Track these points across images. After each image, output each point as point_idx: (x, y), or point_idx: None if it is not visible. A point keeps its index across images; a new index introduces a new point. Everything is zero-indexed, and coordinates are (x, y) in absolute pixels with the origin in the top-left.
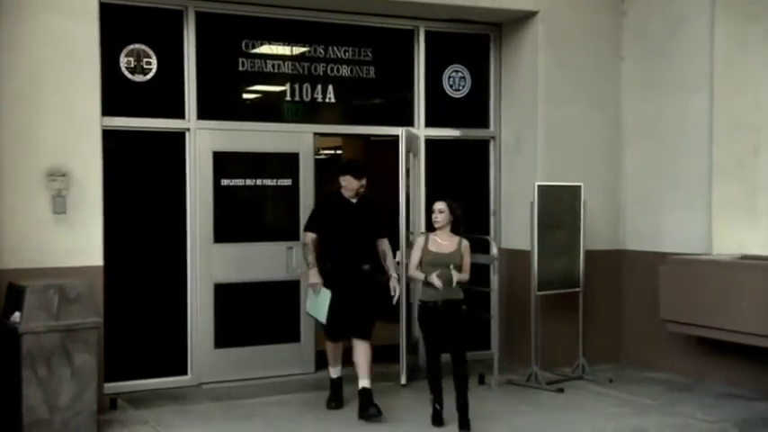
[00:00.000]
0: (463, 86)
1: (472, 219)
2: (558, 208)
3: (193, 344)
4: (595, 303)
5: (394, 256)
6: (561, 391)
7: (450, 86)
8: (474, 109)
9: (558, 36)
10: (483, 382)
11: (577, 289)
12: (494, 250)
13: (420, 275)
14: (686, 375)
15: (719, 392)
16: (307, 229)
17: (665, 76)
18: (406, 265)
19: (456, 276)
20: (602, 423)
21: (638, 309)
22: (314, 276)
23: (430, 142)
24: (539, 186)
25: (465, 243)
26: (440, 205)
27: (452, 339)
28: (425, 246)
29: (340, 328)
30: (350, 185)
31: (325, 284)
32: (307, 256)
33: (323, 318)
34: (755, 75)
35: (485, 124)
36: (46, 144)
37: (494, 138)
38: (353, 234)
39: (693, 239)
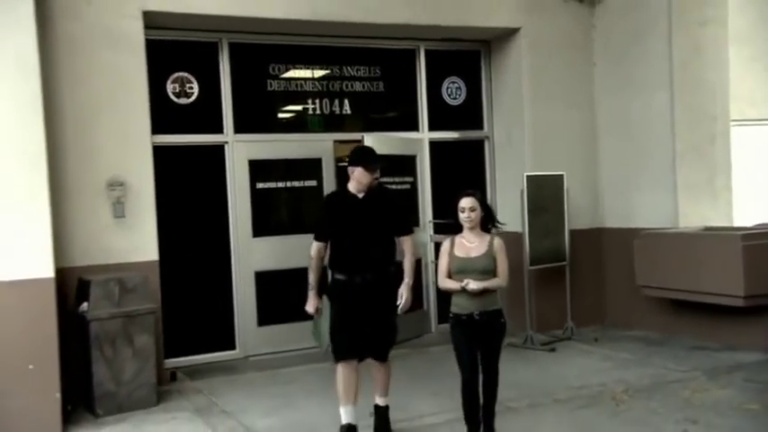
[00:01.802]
0: (459, 95)
1: None
2: (545, 194)
3: (239, 323)
4: (580, 274)
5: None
6: (553, 350)
7: (449, 95)
8: (469, 114)
9: (538, 48)
10: None
11: (564, 263)
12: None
13: (454, 285)
14: (660, 332)
15: (689, 346)
16: (315, 238)
17: (631, 78)
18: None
19: (483, 283)
20: (589, 376)
21: (617, 277)
22: (311, 303)
23: (433, 143)
24: (527, 176)
25: (498, 242)
26: (470, 202)
27: (487, 357)
28: (451, 250)
29: (350, 346)
30: (361, 179)
31: (337, 298)
32: (309, 273)
33: (325, 341)
34: (710, 74)
35: (479, 126)
36: (105, 159)
37: (488, 137)
38: (363, 236)
39: (662, 216)
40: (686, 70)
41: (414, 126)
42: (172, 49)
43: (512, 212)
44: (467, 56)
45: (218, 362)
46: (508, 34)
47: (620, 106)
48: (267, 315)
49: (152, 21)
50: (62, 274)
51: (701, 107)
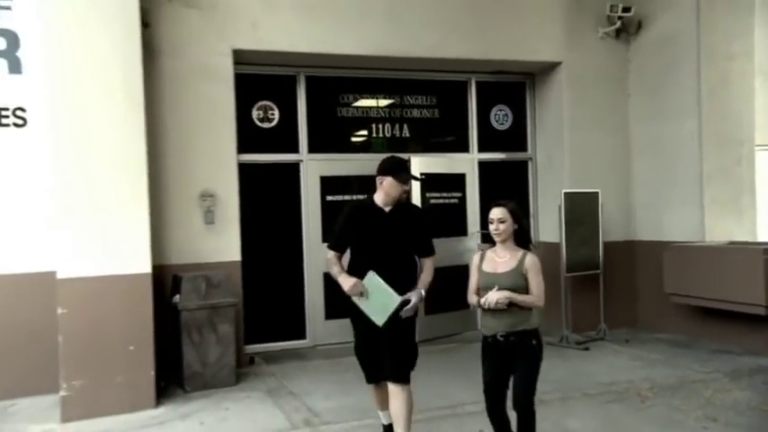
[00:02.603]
0: (506, 121)
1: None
2: (581, 209)
3: (309, 316)
4: (613, 281)
5: None
6: (587, 349)
7: (496, 121)
8: (515, 137)
9: (578, 80)
10: None
11: (598, 271)
12: (532, 241)
13: (475, 300)
14: (686, 336)
15: (712, 349)
16: (329, 246)
17: (663, 107)
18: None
19: (503, 294)
20: (618, 373)
21: (648, 285)
22: (346, 280)
23: (482, 163)
24: (565, 193)
25: (531, 259)
26: (499, 213)
27: (516, 388)
28: (480, 264)
29: (372, 370)
30: (390, 191)
31: (356, 318)
32: (331, 268)
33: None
34: (736, 103)
35: (524, 148)
36: (199, 174)
37: (531, 158)
38: (386, 252)
39: (689, 230)
40: (714, 100)
41: (465, 148)
42: (257, 81)
43: (551, 225)
44: (513, 86)
45: (290, 349)
46: (551, 67)
47: (652, 132)
48: (333, 310)
49: (240, 58)
50: (160, 270)
51: (727, 133)
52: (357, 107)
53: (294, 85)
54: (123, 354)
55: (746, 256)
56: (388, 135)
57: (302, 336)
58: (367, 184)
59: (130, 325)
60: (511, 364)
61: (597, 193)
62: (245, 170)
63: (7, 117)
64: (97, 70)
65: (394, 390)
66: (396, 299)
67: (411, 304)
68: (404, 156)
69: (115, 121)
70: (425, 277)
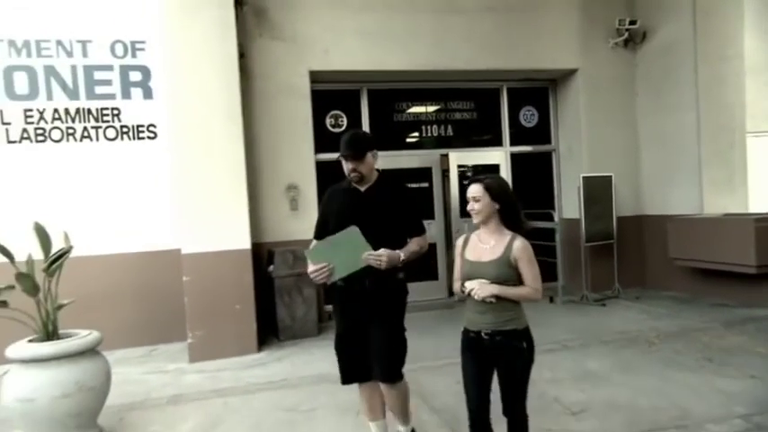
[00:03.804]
0: (533, 119)
1: (543, 202)
2: (597, 190)
3: None
4: (625, 249)
5: None
6: (604, 305)
7: (524, 120)
8: (540, 133)
9: (592, 83)
10: (552, 301)
11: (612, 241)
12: (555, 218)
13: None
14: (688, 294)
15: (711, 304)
16: (314, 236)
17: (666, 103)
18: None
19: (489, 288)
20: (630, 324)
21: (654, 251)
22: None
23: (513, 155)
24: (583, 177)
25: (519, 244)
26: (473, 190)
27: (505, 392)
28: (463, 251)
29: (353, 369)
30: (346, 170)
31: (336, 309)
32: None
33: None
34: (730, 97)
35: (548, 141)
36: (285, 171)
37: (554, 150)
38: (370, 235)
39: (690, 206)
40: (710, 95)
41: (499, 143)
42: (329, 95)
43: (572, 204)
44: (538, 90)
45: None
46: (569, 74)
47: (656, 125)
48: None
49: (315, 77)
50: (258, 246)
51: (722, 123)
52: (409, 113)
53: (358, 96)
54: (232, 311)
55: (739, 224)
56: (434, 134)
57: None
58: (418, 175)
59: (237, 289)
60: (495, 367)
61: (611, 176)
62: (320, 166)
63: (143, 132)
64: (205, 93)
65: (386, 388)
66: (365, 249)
67: (379, 256)
68: (445, 151)
69: (220, 133)
70: (411, 246)
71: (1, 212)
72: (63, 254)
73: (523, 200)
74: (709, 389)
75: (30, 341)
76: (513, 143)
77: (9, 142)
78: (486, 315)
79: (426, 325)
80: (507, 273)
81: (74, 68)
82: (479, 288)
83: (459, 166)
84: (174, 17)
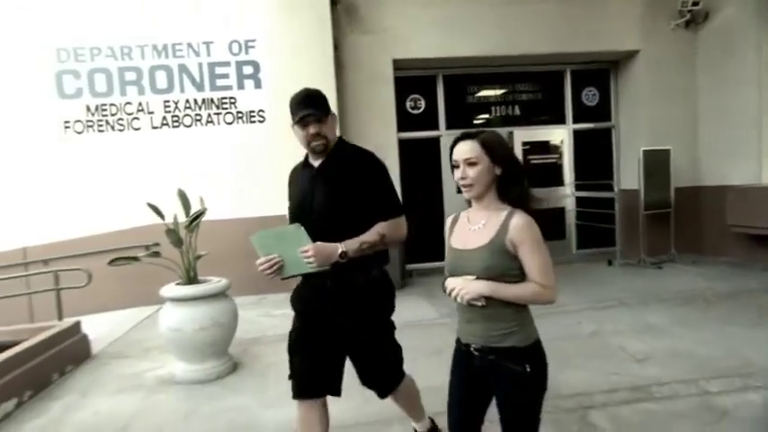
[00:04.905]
0: (594, 99)
1: (603, 174)
2: (656, 163)
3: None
4: (682, 217)
5: None
6: (660, 268)
7: (586, 99)
8: (601, 111)
9: (654, 63)
10: (611, 264)
11: (669, 209)
12: (615, 189)
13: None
14: (742, 259)
15: (764, 268)
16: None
17: (725, 80)
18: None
19: (475, 290)
20: (685, 284)
21: (710, 219)
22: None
23: (575, 132)
24: (643, 151)
25: (518, 221)
26: (466, 150)
27: (505, 427)
28: (450, 236)
29: (303, 379)
30: (300, 140)
31: (294, 309)
32: None
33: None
34: None
35: (608, 119)
36: (372, 147)
37: (614, 126)
38: (318, 222)
39: (748, 176)
40: None
41: (562, 121)
42: (409, 81)
43: (631, 176)
44: (600, 72)
45: (435, 268)
46: (631, 55)
47: (716, 100)
48: None
49: (398, 65)
50: None
51: None
52: (479, 95)
53: (434, 81)
54: None
55: None
56: (503, 114)
57: (442, 258)
58: None
59: None
60: (490, 392)
61: (669, 150)
62: (402, 144)
63: (254, 117)
64: (304, 82)
65: (389, 397)
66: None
67: (306, 246)
68: (508, 129)
69: None
70: (366, 235)
71: (150, 183)
72: (200, 214)
73: (585, 172)
74: (767, 343)
75: (176, 284)
76: (575, 121)
77: (153, 128)
78: (473, 325)
79: None
80: (502, 263)
81: (200, 65)
82: (461, 287)
83: (524, 143)
84: (278, 17)
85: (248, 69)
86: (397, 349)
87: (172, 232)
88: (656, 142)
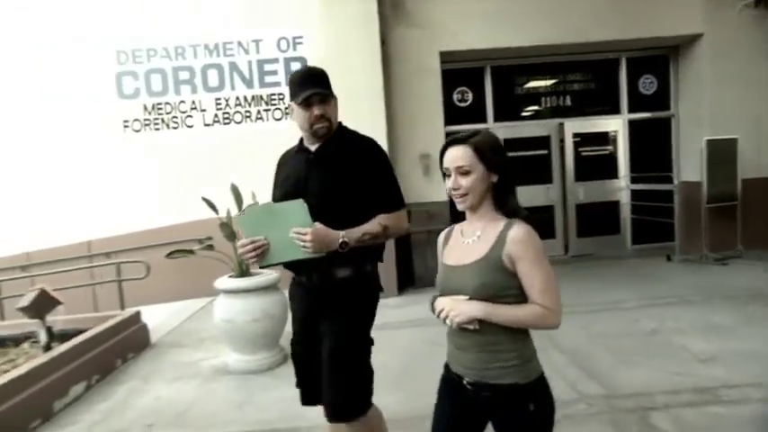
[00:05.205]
0: (652, 87)
1: (660, 166)
2: (721, 153)
3: None
4: (749, 211)
5: None
6: (725, 264)
7: (643, 88)
8: (659, 99)
9: (718, 47)
10: (670, 260)
11: (735, 202)
12: (675, 181)
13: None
14: None
15: None
16: None
17: None
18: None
19: (467, 314)
20: (754, 282)
21: None
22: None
23: (631, 122)
24: (706, 140)
25: (516, 232)
26: (457, 155)
27: None
28: (443, 252)
29: (306, 384)
30: (300, 122)
31: (291, 299)
32: None
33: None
34: None
35: (667, 108)
36: (419, 141)
37: (673, 115)
38: (316, 206)
39: None
40: None
41: (616, 111)
42: (456, 73)
43: (692, 168)
44: (659, 58)
45: None
46: (693, 39)
47: None
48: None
49: (445, 58)
50: None
51: None
52: (528, 86)
53: (482, 73)
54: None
55: None
56: (553, 105)
57: None
58: (537, 143)
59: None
60: (483, 420)
61: (736, 139)
62: (448, 137)
63: None
64: (353, 77)
65: (342, 428)
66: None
67: (304, 228)
68: (558, 120)
69: (366, 108)
70: (368, 225)
71: (204, 179)
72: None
73: (641, 164)
74: None
75: (229, 277)
76: (631, 111)
77: (205, 125)
78: (466, 354)
79: None
80: (499, 281)
81: (250, 63)
82: (451, 308)
83: (574, 135)
84: (325, 13)
85: (296, 65)
86: (370, 371)
87: (225, 226)
88: (719, 131)
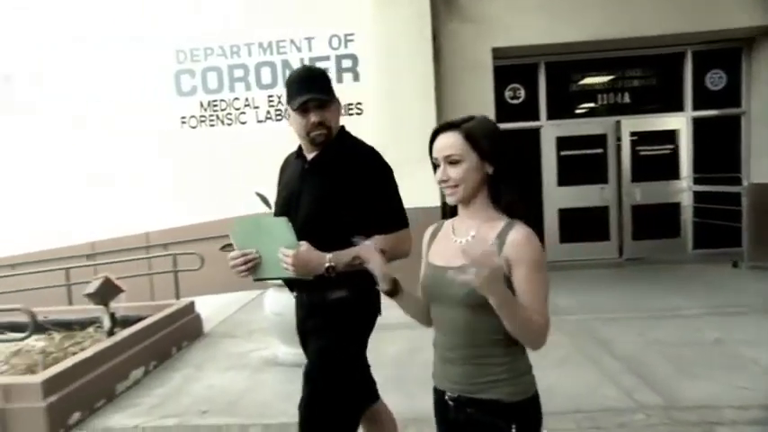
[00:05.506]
0: (721, 83)
1: (729, 166)
2: None
3: (548, 239)
4: None
5: None
6: None
7: (711, 83)
8: (729, 96)
9: None
10: (736, 266)
11: None
12: (744, 182)
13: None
14: None
15: None
16: None
17: None
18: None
19: (497, 276)
20: None
21: None
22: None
23: (695, 119)
24: None
25: (517, 235)
26: (447, 143)
27: None
28: (428, 250)
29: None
30: (297, 129)
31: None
32: None
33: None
34: None
35: (737, 105)
36: None
37: (744, 113)
38: (304, 226)
39: None
40: None
41: (679, 108)
42: (508, 70)
43: (765, 168)
44: (729, 51)
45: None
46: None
47: None
48: (565, 235)
49: (497, 54)
50: (444, 205)
51: None
52: (584, 83)
53: (536, 70)
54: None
55: None
56: (610, 102)
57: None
58: (593, 142)
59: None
60: None
61: None
62: None
63: (352, 109)
64: (404, 72)
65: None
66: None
67: (288, 251)
68: (614, 118)
69: (416, 104)
70: (383, 241)
71: (257, 174)
72: None
73: (706, 164)
74: None
75: None
76: (696, 108)
77: (258, 122)
78: (451, 367)
79: (596, 282)
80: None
81: (302, 60)
82: (483, 259)
83: (632, 133)
84: (377, 10)
85: (347, 63)
86: (351, 404)
87: None
88: None
